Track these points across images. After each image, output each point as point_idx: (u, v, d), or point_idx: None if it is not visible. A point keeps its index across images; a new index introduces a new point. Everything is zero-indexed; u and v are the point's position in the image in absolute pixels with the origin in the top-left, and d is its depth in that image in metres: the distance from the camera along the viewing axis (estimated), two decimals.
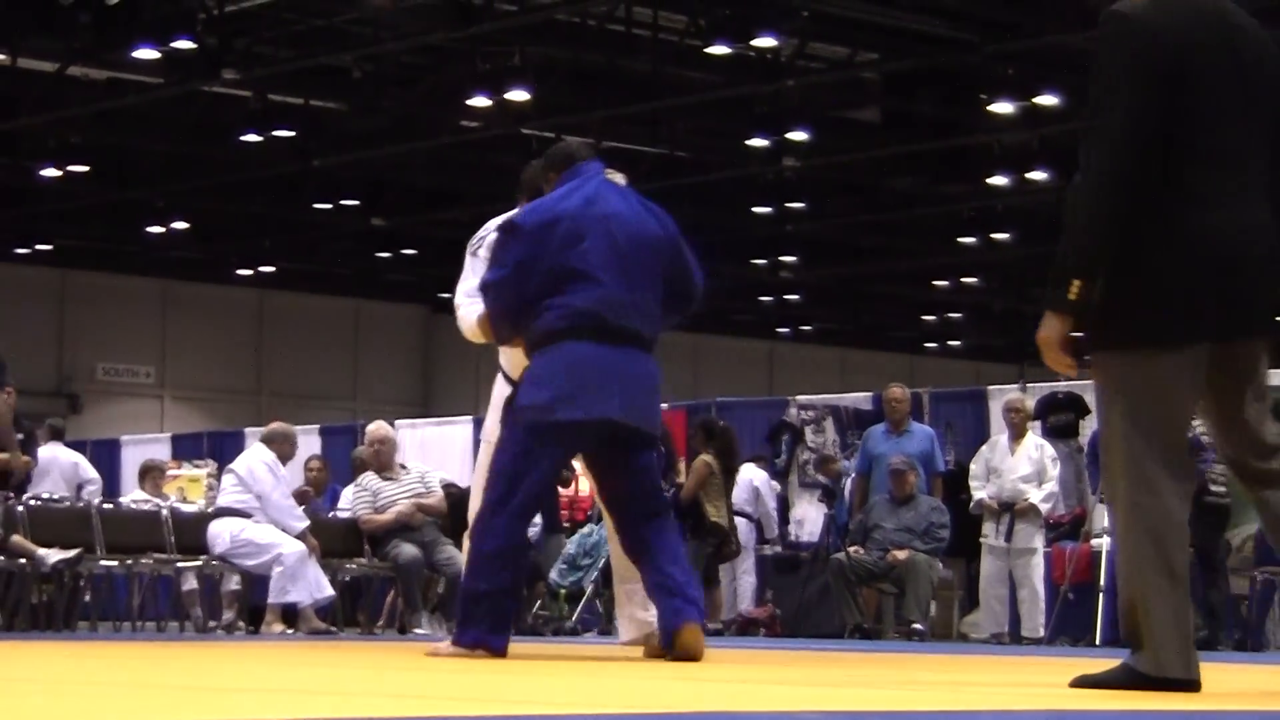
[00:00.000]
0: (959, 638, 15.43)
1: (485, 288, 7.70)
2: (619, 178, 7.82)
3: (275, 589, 13.12)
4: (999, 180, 26.30)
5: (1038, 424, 15.61)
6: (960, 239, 31.17)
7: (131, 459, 21.18)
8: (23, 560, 12.79)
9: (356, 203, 29.68)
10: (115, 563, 13.66)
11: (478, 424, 14.28)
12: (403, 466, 14.62)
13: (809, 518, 17.86)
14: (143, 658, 7.73)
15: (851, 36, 21.68)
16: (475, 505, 7.84)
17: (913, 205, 29.19)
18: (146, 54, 21.08)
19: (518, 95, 22.11)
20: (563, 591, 15.24)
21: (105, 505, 14.59)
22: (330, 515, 15.21)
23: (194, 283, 35.77)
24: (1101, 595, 14.03)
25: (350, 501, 14.72)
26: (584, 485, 15.77)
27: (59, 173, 26.77)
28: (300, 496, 14.58)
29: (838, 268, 34.65)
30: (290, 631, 13.12)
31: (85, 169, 27.17)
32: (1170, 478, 4.96)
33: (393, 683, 5.30)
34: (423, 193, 29.74)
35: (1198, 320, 4.99)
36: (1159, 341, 4.99)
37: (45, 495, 14.60)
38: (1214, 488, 13.07)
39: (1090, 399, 13.86)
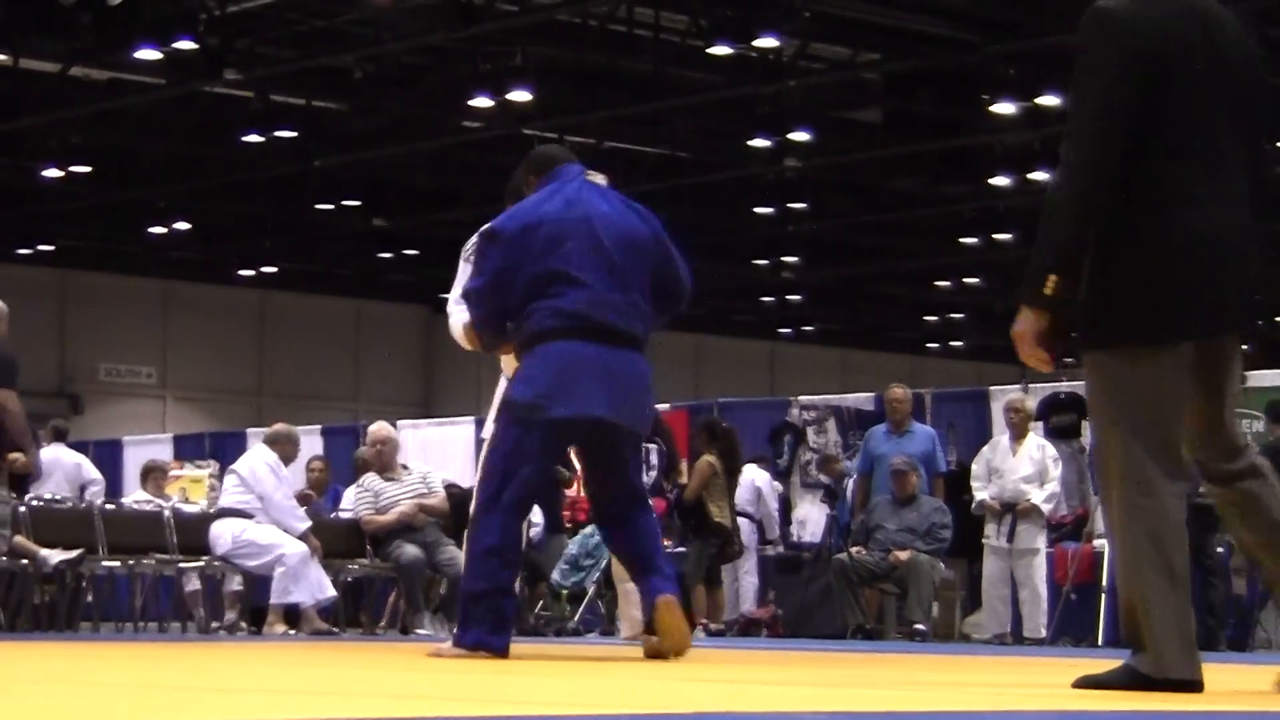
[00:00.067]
0: (961, 638, 15.42)
1: (466, 296, 7.72)
2: (599, 178, 7.82)
3: (277, 590, 13.12)
4: (1000, 180, 26.31)
5: (1039, 425, 15.61)
6: (962, 239, 31.19)
7: (133, 459, 21.19)
8: (25, 561, 12.80)
9: (358, 203, 29.69)
10: (117, 563, 13.66)
11: (479, 424, 14.28)
12: (404, 467, 14.62)
13: (811, 518, 17.87)
14: (145, 658, 7.73)
15: (853, 37, 21.69)
16: None
17: (914, 205, 29.18)
18: (148, 54, 21.09)
19: (519, 96, 22.12)
20: (564, 592, 15.24)
21: (107, 506, 14.60)
22: (332, 516, 15.21)
23: (195, 283, 35.78)
24: (1104, 596, 14.04)
25: (352, 502, 14.73)
26: None
27: (60, 173, 26.79)
28: (301, 499, 14.58)
29: (839, 268, 34.65)
30: (292, 632, 13.12)
31: (87, 169, 27.19)
32: (1167, 478, 4.96)
33: (395, 683, 5.30)
34: (424, 193, 29.75)
35: (1187, 318, 5.01)
36: (1152, 340, 4.99)
37: (48, 496, 14.61)
38: (1204, 488, 13.05)
39: None
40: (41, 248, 33.61)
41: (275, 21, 21.57)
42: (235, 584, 13.81)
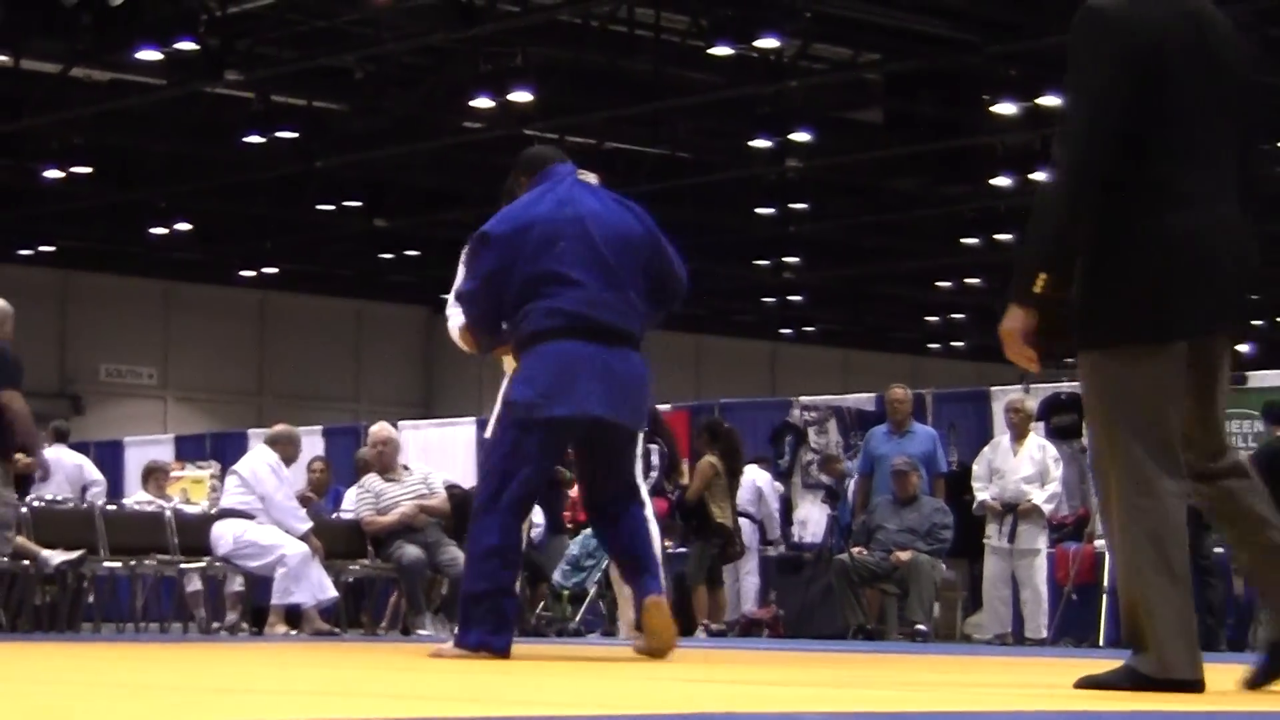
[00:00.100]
0: (962, 639, 15.42)
1: (460, 299, 7.72)
2: (591, 177, 7.81)
3: (278, 590, 13.12)
4: (1001, 181, 26.31)
5: (1040, 425, 15.61)
6: (963, 240, 31.19)
7: (135, 460, 21.20)
8: (26, 561, 12.80)
9: (359, 204, 29.70)
10: (119, 564, 13.66)
11: (480, 425, 14.30)
12: (405, 468, 14.62)
13: (812, 519, 17.87)
14: (146, 659, 7.73)
15: (854, 37, 21.69)
16: None
17: (915, 206, 29.19)
18: (149, 55, 21.10)
19: (520, 96, 22.13)
20: (565, 593, 15.23)
21: (108, 506, 14.60)
22: (333, 516, 15.21)
23: (196, 284, 35.79)
24: (1105, 596, 14.04)
25: (353, 503, 14.73)
26: None
27: (62, 174, 26.80)
28: (302, 500, 14.58)
29: (840, 268, 34.65)
30: (293, 633, 13.11)
31: (88, 170, 27.20)
32: (1166, 477, 4.96)
33: (396, 684, 5.30)
34: (425, 194, 29.76)
35: (1184, 317, 5.01)
36: (1151, 340, 4.99)
37: (49, 497, 14.61)
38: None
39: None
40: (43, 248, 33.62)
41: (276, 22, 21.58)
42: (236, 585, 13.81)
